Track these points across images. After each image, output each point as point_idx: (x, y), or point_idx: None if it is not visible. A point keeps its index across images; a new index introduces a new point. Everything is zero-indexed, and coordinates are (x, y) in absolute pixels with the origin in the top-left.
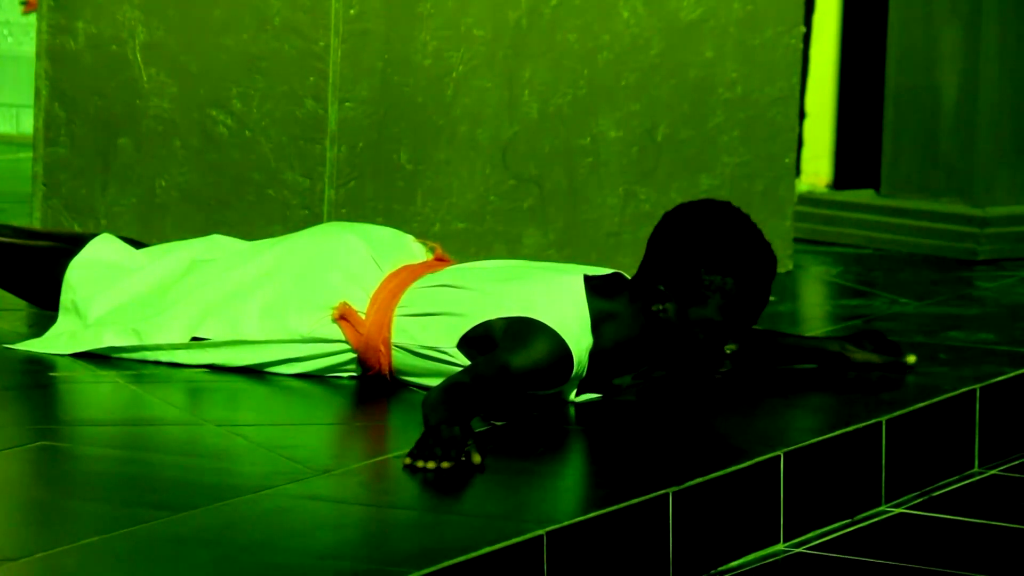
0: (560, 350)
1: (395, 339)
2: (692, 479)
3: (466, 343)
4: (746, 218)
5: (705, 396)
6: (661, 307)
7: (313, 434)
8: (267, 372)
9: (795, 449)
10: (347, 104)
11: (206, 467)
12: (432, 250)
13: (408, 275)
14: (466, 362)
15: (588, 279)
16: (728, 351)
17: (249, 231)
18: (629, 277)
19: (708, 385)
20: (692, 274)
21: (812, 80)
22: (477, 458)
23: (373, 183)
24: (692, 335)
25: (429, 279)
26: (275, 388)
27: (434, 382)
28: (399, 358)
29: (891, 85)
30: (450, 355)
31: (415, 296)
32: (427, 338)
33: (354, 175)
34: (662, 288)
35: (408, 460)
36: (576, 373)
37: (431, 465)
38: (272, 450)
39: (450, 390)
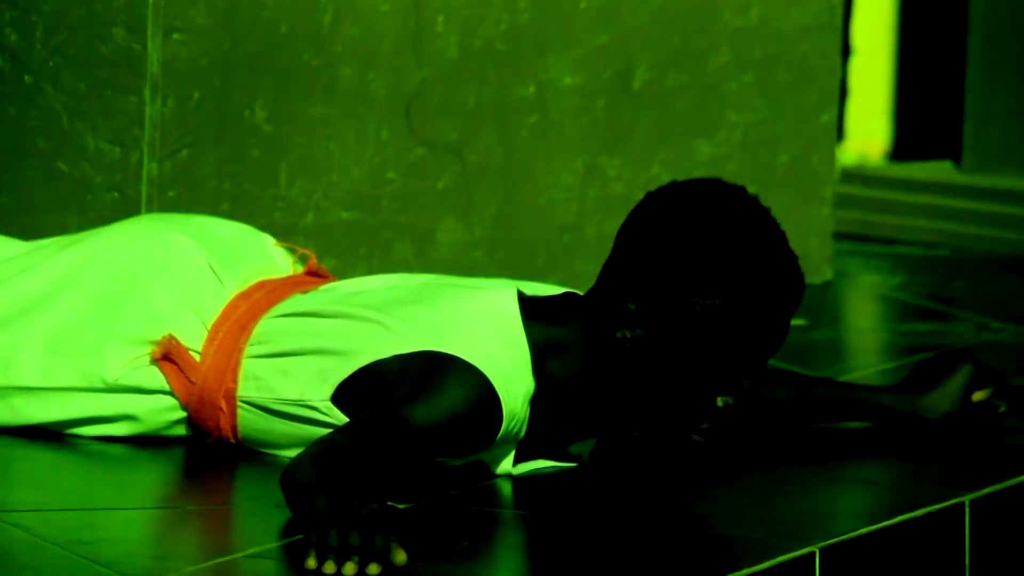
0: (482, 395)
1: (243, 392)
2: None
3: (345, 394)
4: (764, 213)
5: (706, 467)
6: (628, 335)
7: (125, 523)
8: (55, 432)
9: (837, 543)
10: (176, 36)
11: None
12: (303, 259)
13: (265, 296)
14: (345, 421)
15: (524, 299)
16: (720, 404)
17: (30, 224)
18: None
19: (705, 450)
20: (678, 294)
21: (861, 1)
22: (401, 556)
23: (215, 153)
24: (667, 378)
25: (295, 303)
26: (69, 455)
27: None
28: (248, 419)
29: (978, 9)
30: (321, 412)
31: (274, 328)
32: (288, 388)
33: (187, 141)
34: (632, 307)
35: (312, 563)
36: (508, 430)
37: (349, 571)
38: (65, 547)
39: (323, 456)
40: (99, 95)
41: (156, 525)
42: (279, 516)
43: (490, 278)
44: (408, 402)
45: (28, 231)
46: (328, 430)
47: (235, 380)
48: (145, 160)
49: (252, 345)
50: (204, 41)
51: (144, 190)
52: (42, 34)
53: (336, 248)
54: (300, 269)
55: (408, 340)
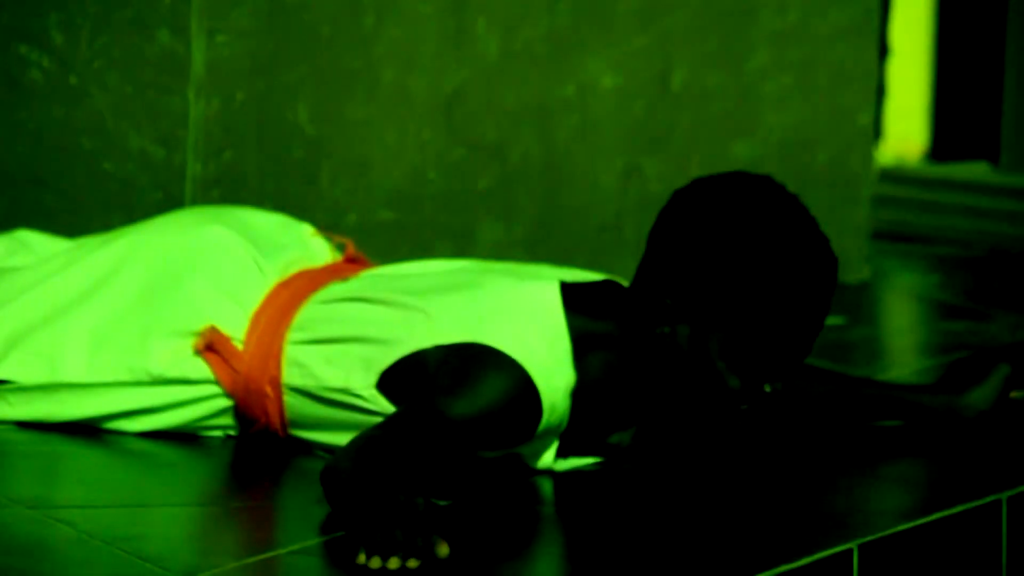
0: (521, 388)
1: (287, 378)
2: None
3: (389, 382)
4: (794, 200)
5: (745, 463)
6: (667, 330)
7: (170, 520)
8: (102, 429)
9: (875, 540)
10: (219, 38)
11: (15, 569)
12: (341, 248)
13: (305, 284)
14: (390, 409)
15: (567, 288)
16: (768, 390)
17: (76, 224)
18: (628, 285)
19: (746, 446)
20: (712, 286)
21: (899, 2)
22: (444, 549)
23: (258, 154)
24: (710, 370)
25: (335, 290)
26: (113, 453)
27: (347, 440)
28: (294, 405)
29: (1016, 9)
30: (366, 399)
31: (316, 314)
32: (333, 376)
33: (230, 142)
34: (670, 302)
35: (363, 558)
36: (548, 424)
37: (394, 564)
38: (111, 543)
39: (364, 452)
40: (144, 96)
41: (200, 521)
42: (321, 513)
43: (533, 265)
44: (446, 395)
45: (74, 231)
46: (374, 417)
47: (279, 367)
48: (189, 160)
49: (294, 332)
50: (247, 43)
51: (188, 190)
52: (88, 36)
53: (377, 248)
54: (339, 257)
55: (449, 331)
